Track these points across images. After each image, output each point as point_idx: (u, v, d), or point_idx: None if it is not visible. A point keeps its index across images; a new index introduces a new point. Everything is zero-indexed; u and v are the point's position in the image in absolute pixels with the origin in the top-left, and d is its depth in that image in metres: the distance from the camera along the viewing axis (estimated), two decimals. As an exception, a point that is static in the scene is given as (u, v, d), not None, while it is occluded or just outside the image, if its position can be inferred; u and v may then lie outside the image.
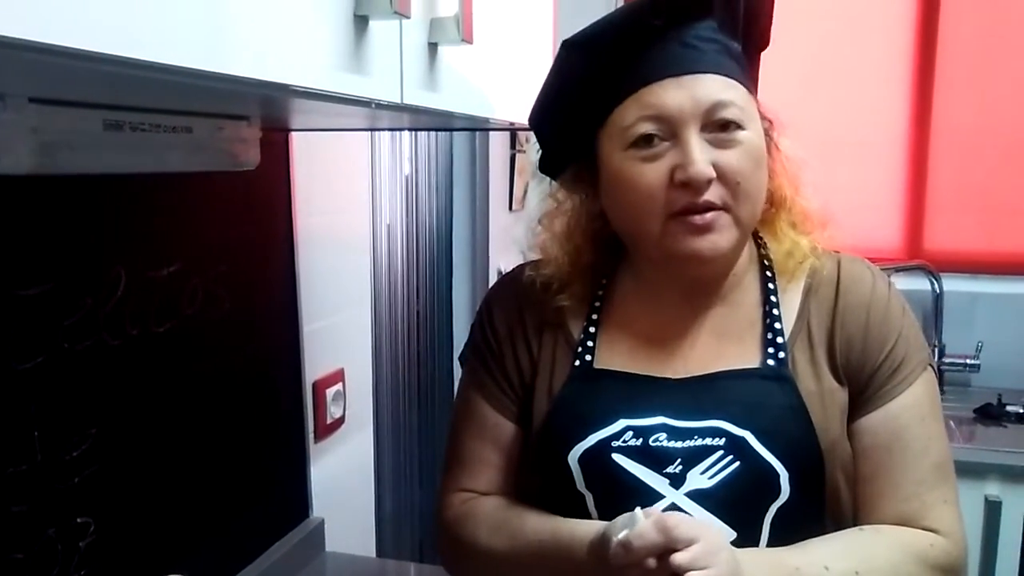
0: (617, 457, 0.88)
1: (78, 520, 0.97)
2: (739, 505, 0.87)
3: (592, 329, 0.96)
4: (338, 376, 1.59)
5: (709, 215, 0.84)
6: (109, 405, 1.02)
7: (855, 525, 0.90)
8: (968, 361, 2.54)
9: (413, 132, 2.08)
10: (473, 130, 2.20)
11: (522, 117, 1.04)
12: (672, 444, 0.87)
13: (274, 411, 1.40)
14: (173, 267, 1.11)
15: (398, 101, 0.76)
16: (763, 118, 0.92)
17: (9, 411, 0.88)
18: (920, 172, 2.74)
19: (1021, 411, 2.36)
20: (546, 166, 1.01)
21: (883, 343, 0.90)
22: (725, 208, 0.85)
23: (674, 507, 0.87)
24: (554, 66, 0.94)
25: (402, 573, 1.71)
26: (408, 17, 0.70)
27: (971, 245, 2.70)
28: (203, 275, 1.17)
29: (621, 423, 0.89)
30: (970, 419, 2.37)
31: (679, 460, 0.87)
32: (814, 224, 0.96)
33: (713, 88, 0.85)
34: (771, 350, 0.91)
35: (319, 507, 1.53)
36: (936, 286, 2.57)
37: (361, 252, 1.72)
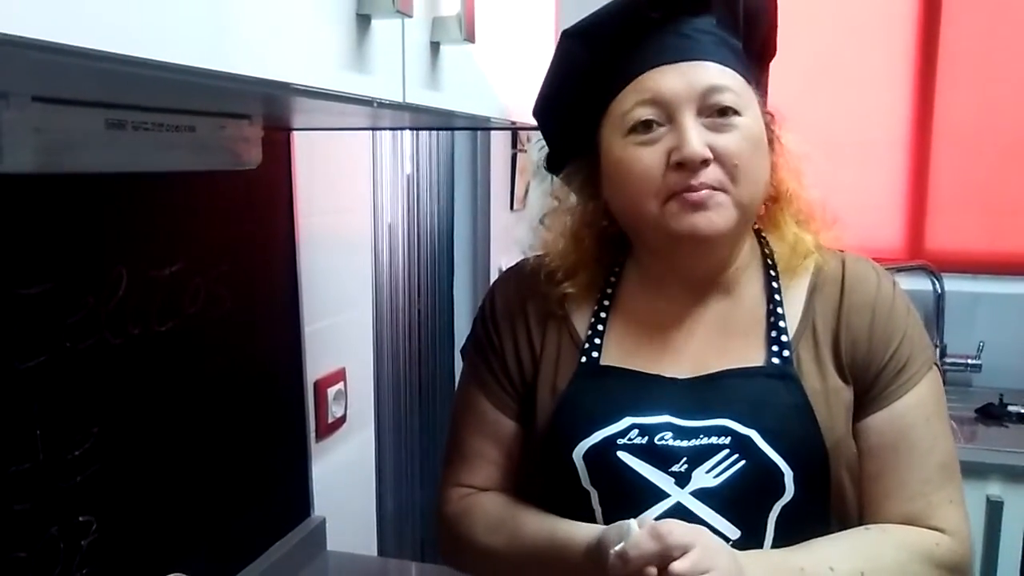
0: (622, 455, 0.88)
1: (80, 519, 0.98)
2: (744, 504, 0.87)
3: (599, 326, 0.96)
4: (339, 375, 1.59)
5: (705, 191, 0.84)
6: (111, 404, 1.02)
7: (860, 524, 0.90)
8: (969, 361, 2.54)
9: (414, 131, 2.08)
10: (474, 129, 2.20)
11: (523, 116, 1.05)
12: (677, 443, 0.87)
13: (275, 410, 1.40)
14: (175, 266, 1.11)
15: (400, 100, 0.76)
16: (765, 112, 0.92)
17: (11, 410, 0.88)
18: (921, 172, 2.74)
19: (1022, 411, 2.36)
20: (551, 162, 1.02)
21: (888, 343, 0.90)
22: (723, 190, 0.85)
23: (679, 506, 0.87)
24: (554, 57, 0.95)
25: (403, 572, 1.71)
26: (410, 16, 0.70)
27: (972, 245, 2.70)
28: (205, 274, 1.17)
29: (627, 421, 0.89)
30: (971, 419, 2.37)
31: (684, 459, 0.87)
32: (818, 222, 0.96)
33: (708, 73, 0.87)
34: (775, 348, 0.91)
35: (320, 506, 1.53)
36: (937, 286, 2.57)
37: (362, 251, 1.72)
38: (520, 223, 2.65)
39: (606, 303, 0.98)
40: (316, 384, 1.51)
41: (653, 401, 0.90)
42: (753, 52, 0.94)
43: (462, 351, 1.08)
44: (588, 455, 0.90)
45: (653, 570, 0.75)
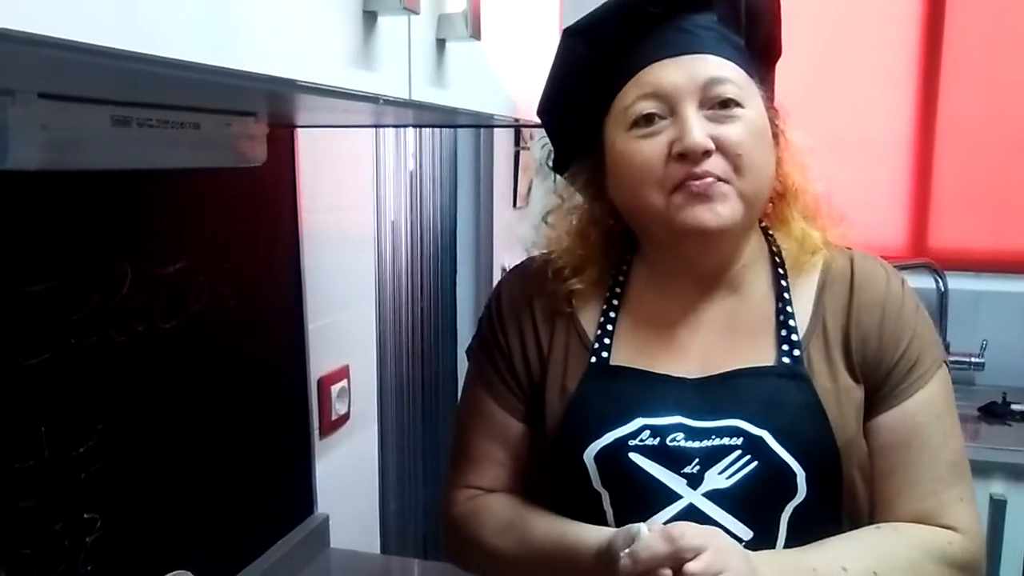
0: (634, 456, 0.88)
1: (85, 516, 0.98)
2: (756, 505, 0.86)
3: (609, 325, 0.96)
4: (343, 373, 1.59)
5: (708, 180, 0.84)
6: (115, 401, 1.02)
7: (871, 523, 0.90)
8: (973, 359, 2.54)
9: (417, 128, 2.08)
10: (477, 127, 2.20)
11: (526, 113, 1.05)
12: (689, 444, 0.87)
13: (279, 408, 1.40)
14: (179, 264, 1.11)
15: (406, 97, 0.75)
16: (770, 107, 0.92)
17: (16, 407, 0.88)
18: (925, 170, 2.74)
19: (1026, 409, 2.35)
20: (556, 162, 1.01)
21: (898, 341, 0.90)
22: (726, 181, 0.85)
23: (691, 507, 0.86)
24: (556, 55, 0.95)
25: (406, 570, 1.70)
26: (417, 13, 0.70)
27: (976, 243, 2.70)
28: (209, 272, 1.17)
29: (638, 422, 0.89)
30: (975, 418, 2.37)
31: (697, 460, 0.86)
32: (825, 218, 0.95)
33: (709, 66, 0.87)
34: (786, 347, 0.90)
35: (324, 503, 1.53)
36: (941, 284, 2.57)
37: (365, 249, 1.72)
38: (523, 221, 2.65)
39: (614, 302, 0.97)
40: (320, 381, 1.51)
41: (664, 401, 0.90)
42: (756, 51, 0.94)
43: (467, 351, 1.07)
44: (599, 456, 0.89)
45: (668, 572, 0.75)
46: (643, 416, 0.89)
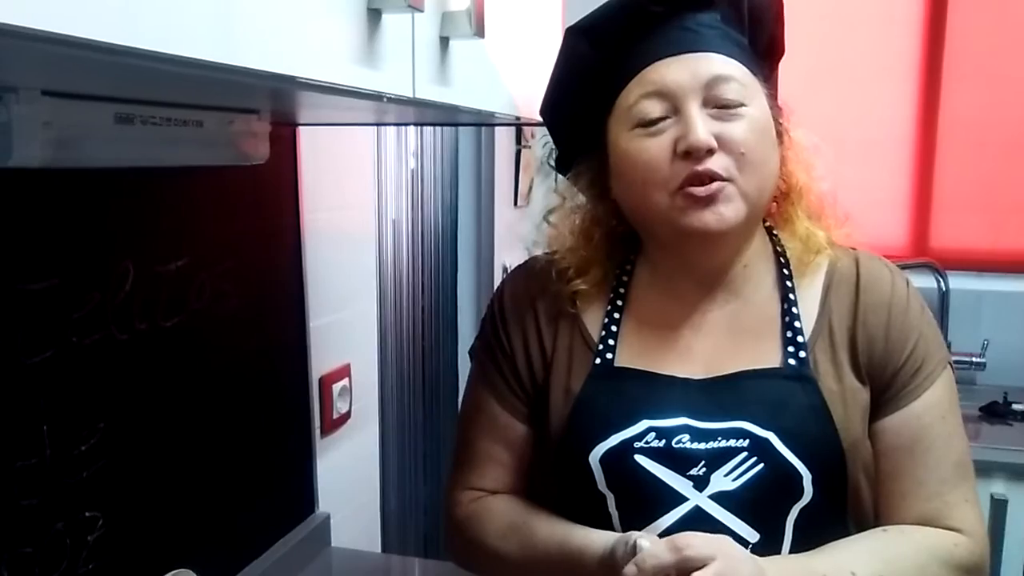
0: (640, 459, 0.87)
1: (86, 514, 0.97)
2: (762, 507, 0.86)
3: (613, 327, 0.95)
4: (344, 371, 1.59)
5: (713, 185, 0.84)
6: (117, 400, 1.01)
7: (876, 524, 0.90)
8: (974, 359, 2.53)
9: (419, 127, 2.08)
10: (479, 125, 2.20)
11: (528, 112, 1.04)
12: (695, 446, 0.87)
13: (280, 406, 1.39)
14: (181, 262, 1.11)
15: (410, 95, 0.75)
16: (774, 106, 0.92)
17: (18, 405, 0.88)
18: (926, 170, 2.74)
19: (1027, 409, 2.35)
20: (560, 163, 1.01)
21: (904, 343, 0.90)
22: (730, 180, 0.84)
23: (697, 510, 0.86)
24: (559, 54, 0.95)
25: (407, 568, 1.70)
26: (421, 10, 0.70)
27: (977, 243, 2.70)
28: (210, 270, 1.17)
29: (643, 424, 0.88)
30: (976, 417, 2.36)
31: (703, 462, 0.86)
32: (829, 218, 0.95)
33: (713, 64, 0.87)
34: (791, 349, 0.90)
35: (325, 502, 1.53)
36: (942, 284, 2.57)
37: (367, 247, 1.72)
38: (524, 219, 2.65)
39: (618, 303, 0.97)
40: (321, 380, 1.51)
41: (669, 403, 0.89)
42: (759, 50, 0.93)
43: (470, 351, 1.06)
44: (605, 458, 0.89)
45: None
46: (648, 418, 0.88)
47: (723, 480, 0.86)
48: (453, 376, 2.37)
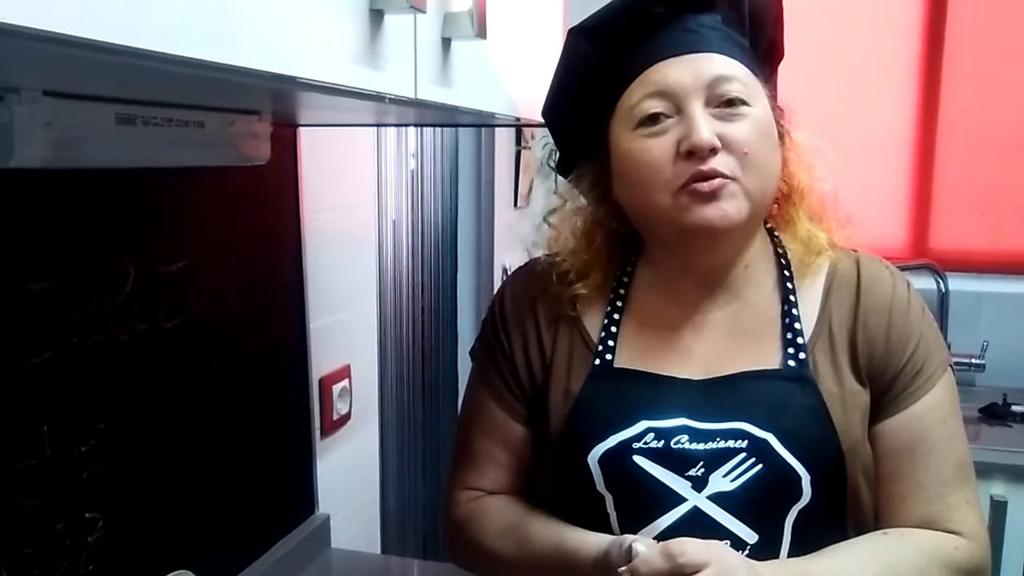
0: (638, 459, 0.87)
1: (86, 515, 0.97)
2: (761, 508, 0.86)
3: (613, 328, 0.95)
4: (344, 372, 1.59)
5: (717, 181, 0.84)
6: (117, 400, 1.01)
7: (876, 527, 0.90)
8: (973, 361, 2.53)
9: (419, 128, 2.08)
10: (479, 126, 2.20)
11: (529, 113, 1.04)
12: (694, 446, 0.87)
13: (281, 407, 1.39)
14: (181, 262, 1.11)
15: (412, 96, 0.75)
16: (775, 107, 0.92)
17: (18, 406, 0.88)
18: (926, 171, 2.74)
19: (1026, 410, 2.35)
20: (562, 165, 1.01)
21: (905, 345, 0.90)
22: (733, 179, 0.84)
23: (696, 510, 0.86)
24: (561, 55, 0.95)
25: (406, 569, 1.70)
26: (424, 11, 0.70)
27: (977, 244, 2.70)
28: (211, 271, 1.17)
29: (642, 424, 0.88)
30: (975, 419, 2.36)
31: (701, 463, 0.86)
32: (831, 220, 0.95)
33: (715, 64, 0.87)
34: (791, 350, 0.90)
35: (325, 503, 1.53)
36: (941, 285, 2.57)
37: (367, 248, 1.72)
38: (524, 220, 2.65)
39: (618, 303, 0.97)
40: (321, 381, 1.51)
41: (668, 403, 0.89)
42: (760, 53, 0.93)
43: (471, 352, 1.07)
44: (603, 459, 0.89)
45: None
46: (647, 419, 0.88)
47: (721, 481, 0.86)
48: (453, 377, 2.37)
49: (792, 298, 0.92)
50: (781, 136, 0.92)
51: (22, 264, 0.88)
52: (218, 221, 1.19)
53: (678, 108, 0.86)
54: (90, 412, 0.97)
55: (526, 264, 1.05)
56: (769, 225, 0.97)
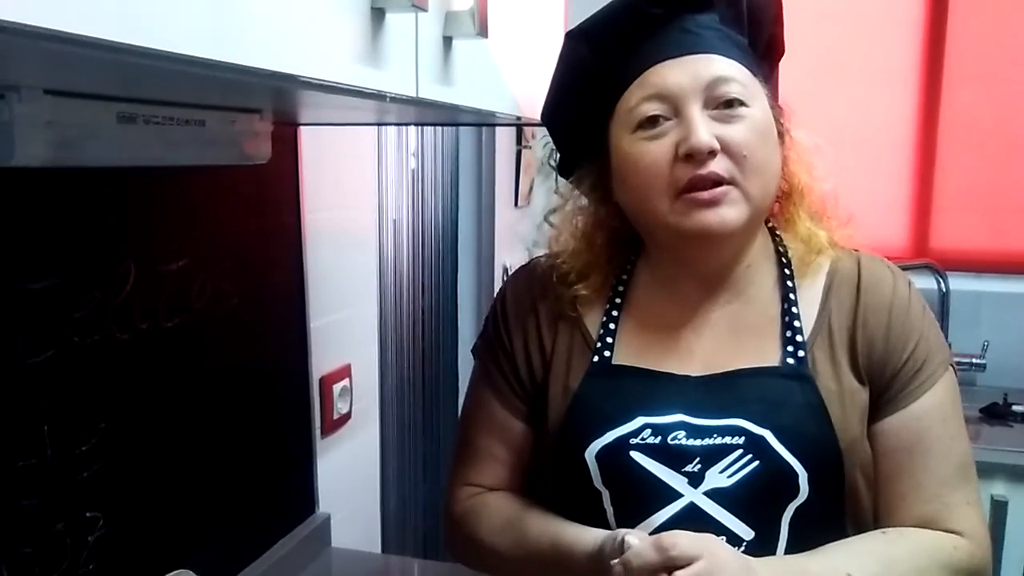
0: (635, 455, 0.88)
1: (87, 514, 0.97)
2: (758, 505, 0.86)
3: (611, 325, 0.96)
4: (345, 371, 1.59)
5: (717, 190, 0.83)
6: (118, 399, 1.01)
7: (875, 526, 0.90)
8: (974, 360, 2.53)
9: (419, 127, 2.08)
10: (480, 125, 2.20)
11: (530, 112, 1.04)
12: (691, 442, 0.87)
13: (281, 406, 1.39)
14: (182, 261, 1.11)
15: (413, 95, 0.75)
16: (775, 106, 0.92)
17: (19, 405, 0.88)
18: (927, 171, 2.74)
19: (1027, 411, 2.35)
20: (562, 167, 1.01)
21: (905, 344, 0.90)
22: (732, 182, 0.84)
23: (692, 506, 0.86)
24: (559, 58, 0.95)
25: (407, 569, 1.70)
26: (425, 10, 0.70)
27: (977, 244, 2.70)
28: (211, 270, 1.17)
29: (639, 420, 0.88)
30: (976, 419, 2.36)
31: (698, 459, 0.86)
32: (831, 219, 0.95)
33: (713, 66, 0.86)
34: (790, 348, 0.90)
35: (325, 502, 1.53)
36: (942, 285, 2.57)
37: (367, 247, 1.72)
38: (524, 220, 2.65)
39: (618, 301, 0.97)
40: (321, 380, 1.51)
41: (666, 400, 0.89)
42: (759, 50, 0.93)
43: (473, 350, 1.07)
44: (600, 455, 0.89)
45: None
46: (645, 415, 0.89)
47: (718, 477, 0.86)
48: (453, 376, 2.37)
49: (792, 296, 0.93)
50: (781, 135, 0.91)
51: (23, 263, 0.88)
52: (219, 220, 1.19)
53: (676, 111, 0.85)
54: (90, 411, 0.97)
55: (527, 264, 1.05)
56: (770, 224, 0.97)
